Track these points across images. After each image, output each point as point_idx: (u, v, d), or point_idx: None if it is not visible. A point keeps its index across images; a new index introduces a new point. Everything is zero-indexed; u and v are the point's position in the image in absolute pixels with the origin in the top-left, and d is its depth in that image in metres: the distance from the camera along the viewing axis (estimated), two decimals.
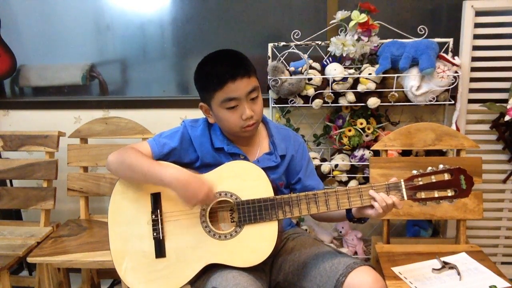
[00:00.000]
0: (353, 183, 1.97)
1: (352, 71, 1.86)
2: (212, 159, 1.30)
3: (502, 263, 2.11)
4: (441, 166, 1.19)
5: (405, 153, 1.90)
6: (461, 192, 1.18)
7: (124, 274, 1.24)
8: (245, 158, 1.31)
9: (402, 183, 1.19)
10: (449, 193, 1.19)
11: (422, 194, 1.19)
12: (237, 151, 1.31)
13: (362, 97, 1.85)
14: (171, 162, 1.28)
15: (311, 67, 1.88)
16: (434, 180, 1.18)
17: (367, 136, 1.91)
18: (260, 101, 1.27)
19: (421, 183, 1.18)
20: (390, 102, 1.83)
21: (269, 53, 1.92)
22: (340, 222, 2.01)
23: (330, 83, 1.83)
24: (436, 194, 1.19)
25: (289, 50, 1.89)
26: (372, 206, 1.19)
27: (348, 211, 1.26)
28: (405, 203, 1.21)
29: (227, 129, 1.28)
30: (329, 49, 1.85)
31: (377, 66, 1.81)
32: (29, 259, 1.65)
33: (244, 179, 1.22)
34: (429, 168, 1.19)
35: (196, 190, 1.15)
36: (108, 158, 1.27)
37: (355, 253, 2.03)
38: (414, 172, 1.20)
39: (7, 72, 2.17)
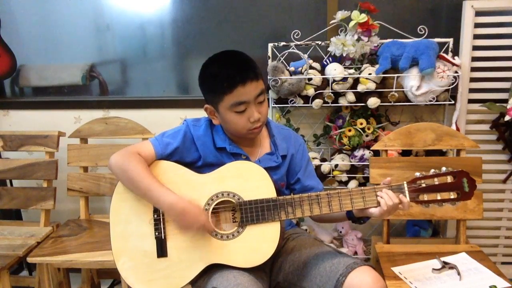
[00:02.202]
0: (353, 183, 1.97)
1: (352, 71, 1.86)
2: (215, 159, 1.30)
3: (502, 263, 2.12)
4: (444, 169, 1.18)
5: (405, 153, 1.90)
6: (464, 195, 1.18)
7: (125, 273, 1.24)
8: (247, 158, 1.31)
9: (405, 185, 1.19)
10: (452, 195, 1.18)
11: (425, 197, 1.18)
12: (239, 151, 1.31)
13: (362, 97, 1.85)
14: (173, 162, 1.28)
15: (311, 67, 1.88)
16: (437, 183, 1.17)
17: (367, 136, 1.91)
18: (266, 103, 1.27)
19: (424, 185, 1.18)
20: (390, 102, 1.84)
21: (269, 53, 1.92)
22: (340, 222, 2.02)
23: (330, 83, 1.83)
24: (438, 196, 1.18)
25: (289, 50, 1.89)
26: (375, 206, 1.19)
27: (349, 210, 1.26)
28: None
29: (234, 131, 1.27)
30: (329, 49, 1.85)
31: (377, 66, 1.81)
32: (29, 259, 1.65)
33: (246, 179, 1.22)
34: (432, 170, 1.18)
35: (192, 220, 1.16)
36: (110, 159, 1.26)
37: (355, 253, 2.04)
38: (417, 174, 1.19)
39: (7, 72, 2.17)
